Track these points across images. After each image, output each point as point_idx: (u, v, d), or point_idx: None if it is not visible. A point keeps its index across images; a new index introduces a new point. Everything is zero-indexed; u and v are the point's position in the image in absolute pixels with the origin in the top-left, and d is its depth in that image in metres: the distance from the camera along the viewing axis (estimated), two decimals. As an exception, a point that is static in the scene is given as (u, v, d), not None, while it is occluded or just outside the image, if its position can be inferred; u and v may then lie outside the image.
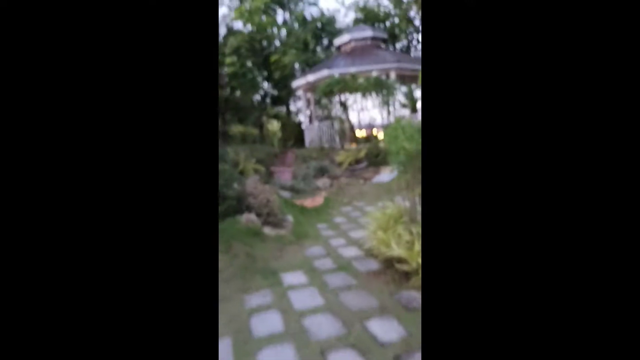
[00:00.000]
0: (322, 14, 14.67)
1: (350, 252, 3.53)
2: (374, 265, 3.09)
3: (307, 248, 3.73)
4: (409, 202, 3.34)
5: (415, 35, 14.85)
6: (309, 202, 5.70)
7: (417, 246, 2.66)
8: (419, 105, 10.78)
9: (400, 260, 2.73)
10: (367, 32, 11.11)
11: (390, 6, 14.73)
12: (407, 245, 2.76)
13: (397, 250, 2.71)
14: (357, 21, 14.64)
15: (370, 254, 3.31)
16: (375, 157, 7.39)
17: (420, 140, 2.71)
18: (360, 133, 9.68)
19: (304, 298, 2.55)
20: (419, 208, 3.18)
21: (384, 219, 3.50)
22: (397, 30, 14.52)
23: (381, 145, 7.83)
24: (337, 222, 4.93)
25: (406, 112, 10.43)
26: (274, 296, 2.59)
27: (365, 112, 9.82)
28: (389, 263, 2.92)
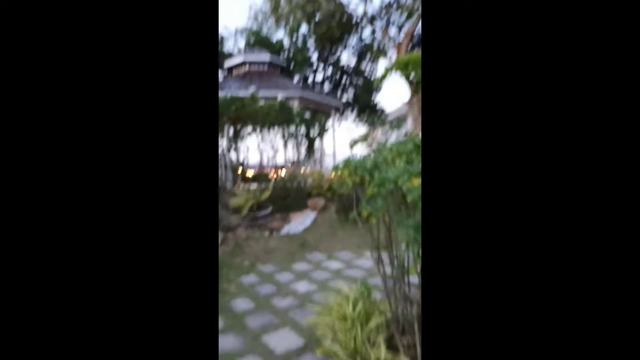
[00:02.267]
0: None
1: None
2: None
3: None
4: (396, 279, 1.73)
5: (312, 69, 14.32)
6: (190, 274, 3.59)
7: None
8: (317, 144, 9.64)
9: None
10: (264, 57, 9.84)
11: (285, 38, 13.98)
12: None
13: None
14: (249, 46, 13.31)
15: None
16: (284, 200, 5.72)
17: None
18: (260, 170, 7.95)
19: None
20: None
21: (353, 329, 1.79)
22: (292, 64, 13.69)
23: (289, 185, 6.24)
24: (239, 309, 3.00)
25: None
26: None
27: (265, 146, 8.13)
28: None
